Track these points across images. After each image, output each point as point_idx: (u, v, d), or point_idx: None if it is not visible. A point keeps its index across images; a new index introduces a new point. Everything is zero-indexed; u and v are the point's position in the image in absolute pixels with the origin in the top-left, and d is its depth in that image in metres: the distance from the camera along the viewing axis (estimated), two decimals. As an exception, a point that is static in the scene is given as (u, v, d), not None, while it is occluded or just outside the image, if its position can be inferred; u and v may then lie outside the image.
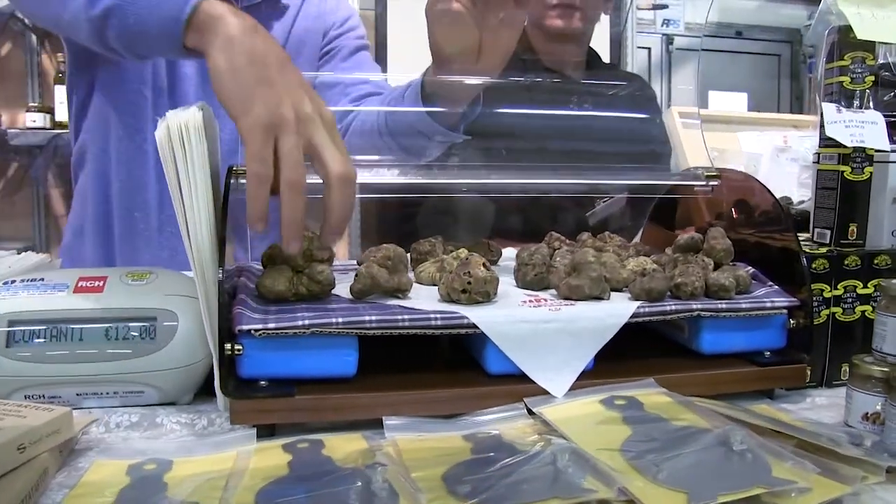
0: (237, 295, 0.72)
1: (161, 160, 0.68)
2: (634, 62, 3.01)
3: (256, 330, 0.65)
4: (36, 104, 3.22)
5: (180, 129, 0.68)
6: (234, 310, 0.68)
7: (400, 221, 1.28)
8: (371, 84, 1.25)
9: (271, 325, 0.66)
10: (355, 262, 0.93)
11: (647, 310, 0.75)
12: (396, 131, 1.07)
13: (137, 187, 1.19)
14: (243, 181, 0.79)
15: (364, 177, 0.84)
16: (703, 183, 0.98)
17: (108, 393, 0.73)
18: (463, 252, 0.82)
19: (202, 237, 0.68)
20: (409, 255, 0.90)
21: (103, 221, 1.21)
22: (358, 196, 0.85)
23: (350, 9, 1.40)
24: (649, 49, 4.40)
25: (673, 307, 0.76)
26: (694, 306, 0.76)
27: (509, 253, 1.00)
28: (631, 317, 0.74)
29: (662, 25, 4.39)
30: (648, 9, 3.91)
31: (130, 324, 0.72)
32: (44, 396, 0.72)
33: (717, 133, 1.72)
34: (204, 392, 0.75)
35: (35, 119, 3.14)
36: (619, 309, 0.74)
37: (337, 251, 0.99)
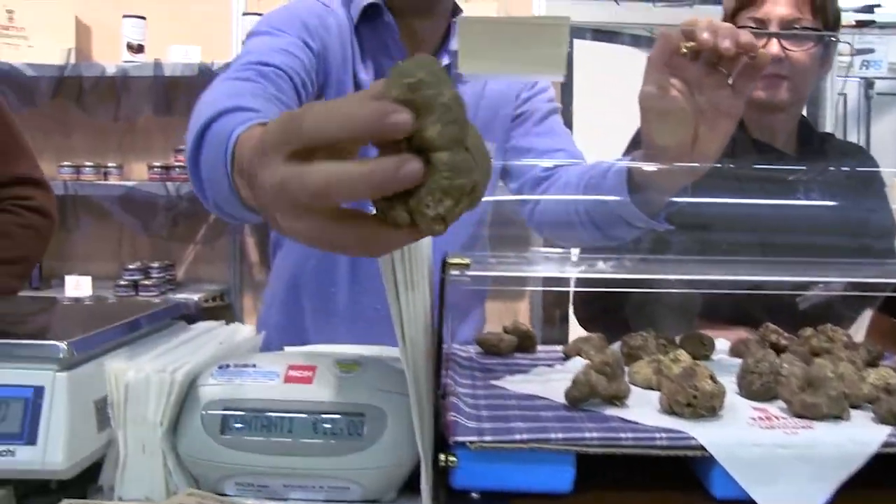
0: (447, 395, 0.70)
1: (380, 262, 0.67)
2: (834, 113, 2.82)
3: (472, 442, 0.63)
4: (235, 157, 3.44)
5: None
6: (448, 416, 0.66)
7: (597, 300, 1.23)
8: (565, 151, 1.22)
9: (487, 438, 0.63)
10: (560, 349, 0.89)
11: (899, 438, 0.66)
12: (595, 213, 1.03)
13: (331, 264, 1.21)
14: (454, 273, 0.78)
15: (573, 271, 0.81)
16: (954, 280, 0.87)
17: (314, 487, 0.72)
18: (682, 355, 0.76)
19: (417, 343, 0.66)
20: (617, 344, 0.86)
21: (296, 297, 1.25)
22: (565, 289, 0.81)
23: None
24: (844, 95, 4.12)
25: (930, 435, 0.66)
26: (958, 435, 0.67)
27: (721, 345, 0.94)
28: (881, 446, 0.65)
29: (861, 68, 4.07)
30: (850, 55, 3.66)
31: (338, 418, 0.72)
32: (253, 485, 0.72)
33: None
34: (407, 489, 0.73)
35: (234, 170, 3.35)
36: (865, 436, 0.66)
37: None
